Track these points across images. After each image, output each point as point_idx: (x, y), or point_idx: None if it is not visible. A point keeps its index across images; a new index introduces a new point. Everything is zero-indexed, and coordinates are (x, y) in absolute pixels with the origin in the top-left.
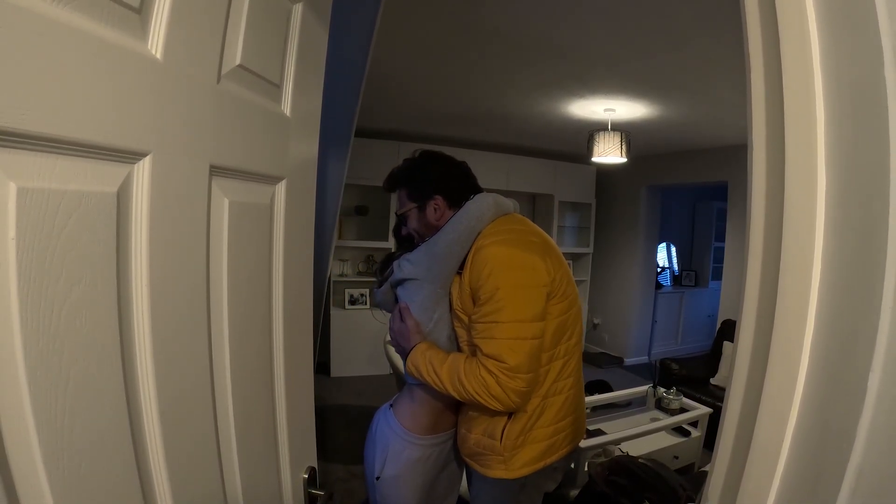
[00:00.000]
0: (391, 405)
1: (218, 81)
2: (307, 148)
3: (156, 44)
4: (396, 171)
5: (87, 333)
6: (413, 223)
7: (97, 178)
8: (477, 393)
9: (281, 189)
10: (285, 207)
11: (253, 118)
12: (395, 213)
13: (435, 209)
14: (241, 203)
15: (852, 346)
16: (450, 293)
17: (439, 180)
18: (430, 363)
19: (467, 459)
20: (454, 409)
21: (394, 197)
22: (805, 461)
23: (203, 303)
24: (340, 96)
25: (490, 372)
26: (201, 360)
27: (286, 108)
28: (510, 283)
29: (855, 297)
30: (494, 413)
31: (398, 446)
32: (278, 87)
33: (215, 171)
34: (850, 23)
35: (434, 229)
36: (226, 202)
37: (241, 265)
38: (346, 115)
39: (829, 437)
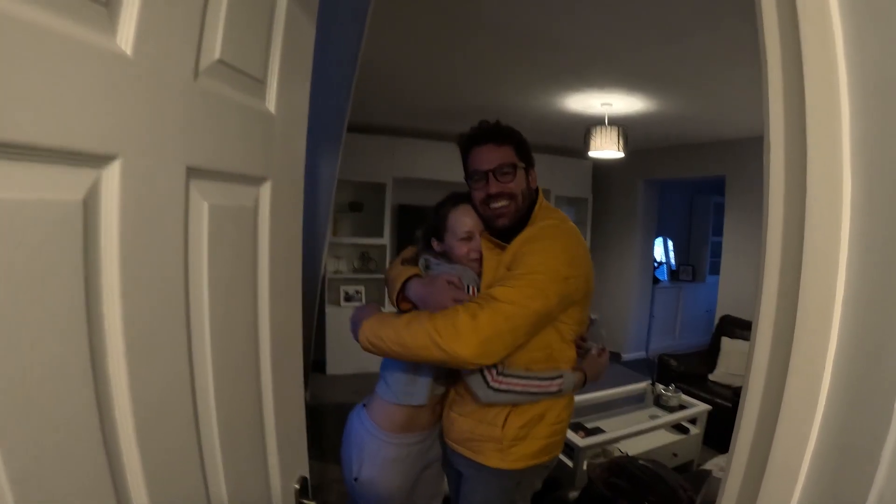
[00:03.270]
0: (364, 404)
1: (195, 78)
2: (294, 146)
3: (126, 38)
4: (503, 125)
5: (54, 353)
6: (516, 181)
7: (60, 185)
8: (434, 327)
9: (265, 190)
10: (270, 209)
11: (234, 116)
12: (494, 168)
13: (532, 178)
14: (222, 206)
15: (878, 363)
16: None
17: (532, 156)
18: (382, 318)
19: (453, 444)
20: (431, 407)
21: (389, 192)
22: (825, 483)
23: (182, 313)
24: (331, 91)
25: (472, 306)
26: (181, 370)
27: (270, 104)
28: (549, 268)
29: (882, 310)
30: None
31: (374, 446)
32: (262, 82)
33: (193, 173)
34: (875, 9)
35: (527, 198)
36: (205, 206)
37: (222, 272)
38: (337, 111)
39: (851, 459)
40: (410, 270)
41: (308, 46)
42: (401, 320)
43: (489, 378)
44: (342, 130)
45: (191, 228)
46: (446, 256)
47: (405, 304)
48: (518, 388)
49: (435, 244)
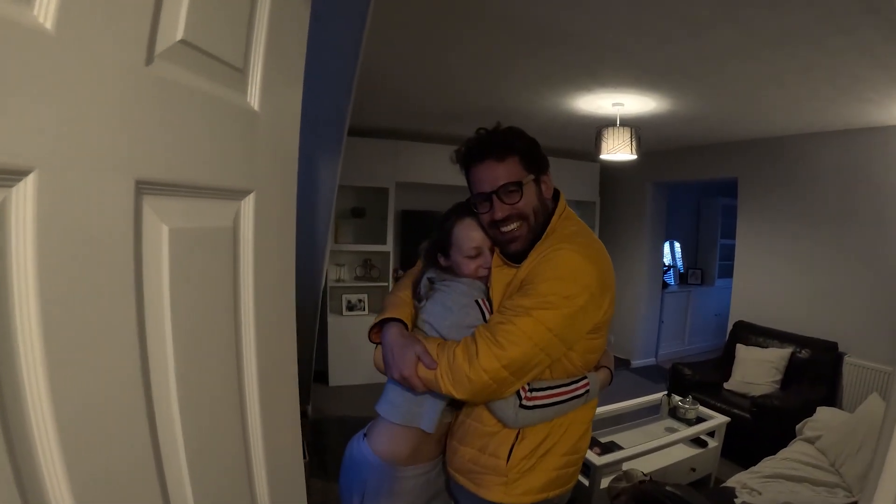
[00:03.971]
0: (365, 434)
1: (149, 62)
2: (284, 150)
3: (46, 8)
4: (503, 132)
5: None
6: (525, 198)
7: None
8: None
9: (248, 205)
10: (255, 227)
11: (204, 114)
12: (497, 189)
13: (547, 186)
14: (189, 230)
15: None
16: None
17: (545, 157)
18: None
19: (455, 474)
20: (437, 435)
21: (392, 197)
22: None
23: (136, 366)
24: (330, 88)
25: (471, 346)
26: (140, 440)
27: (253, 100)
28: (565, 293)
29: None
30: (496, 430)
31: (376, 480)
32: (242, 72)
33: (145, 188)
34: None
35: (542, 213)
36: (164, 230)
37: (192, 310)
38: (337, 110)
39: None
40: (399, 311)
41: (301, 29)
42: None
43: (523, 396)
44: (343, 132)
45: (146, 260)
46: (452, 272)
47: (377, 337)
48: (547, 401)
49: (441, 259)
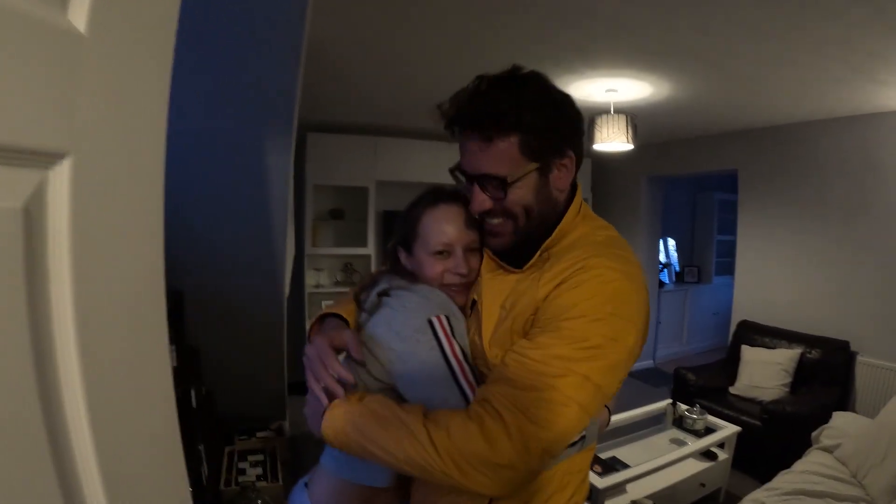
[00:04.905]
0: (307, 483)
1: None
2: (138, 98)
3: None
4: (496, 98)
5: None
6: (513, 195)
7: None
8: (459, 448)
9: (60, 177)
10: (74, 209)
11: None
12: (476, 178)
13: (562, 174)
14: None
15: None
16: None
17: (576, 129)
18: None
19: None
20: (394, 488)
21: (372, 196)
22: None
23: None
24: (273, 65)
25: (496, 418)
26: None
27: (77, 17)
28: (613, 334)
29: None
30: None
31: None
32: None
33: None
34: None
35: (538, 213)
36: None
37: None
38: (284, 90)
39: None
40: (341, 307)
41: None
42: (385, 412)
43: None
44: (293, 110)
45: None
46: (413, 276)
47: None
48: None
49: (402, 257)
